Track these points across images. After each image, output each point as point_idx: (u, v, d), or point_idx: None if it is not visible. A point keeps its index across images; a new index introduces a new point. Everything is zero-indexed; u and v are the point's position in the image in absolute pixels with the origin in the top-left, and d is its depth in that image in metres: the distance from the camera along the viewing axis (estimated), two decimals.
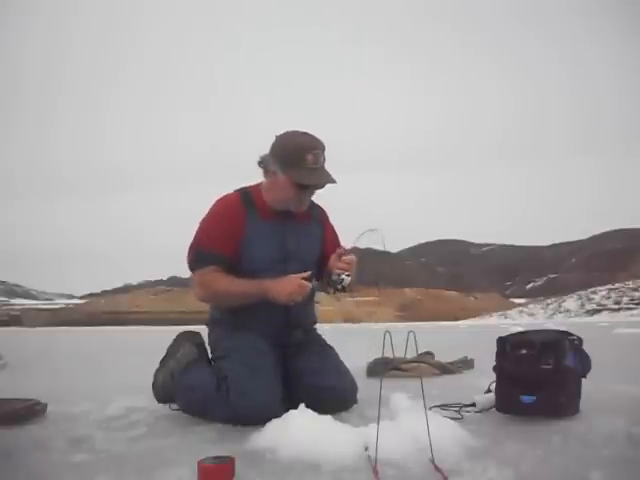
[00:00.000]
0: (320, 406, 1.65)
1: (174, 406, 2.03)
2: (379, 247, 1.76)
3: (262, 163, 2.00)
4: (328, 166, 1.95)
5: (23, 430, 1.82)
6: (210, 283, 1.95)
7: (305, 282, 1.88)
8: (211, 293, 1.98)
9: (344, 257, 1.93)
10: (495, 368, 1.91)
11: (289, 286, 1.87)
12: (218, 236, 1.96)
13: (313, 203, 2.16)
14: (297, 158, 1.89)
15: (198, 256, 1.98)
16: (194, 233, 2.01)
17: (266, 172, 2.00)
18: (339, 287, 1.91)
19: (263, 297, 1.90)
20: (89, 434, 1.75)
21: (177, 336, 2.13)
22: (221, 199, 2.04)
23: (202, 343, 2.11)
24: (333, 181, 1.94)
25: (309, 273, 1.92)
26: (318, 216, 2.18)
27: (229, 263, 1.96)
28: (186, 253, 2.02)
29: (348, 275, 1.91)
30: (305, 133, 1.96)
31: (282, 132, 1.98)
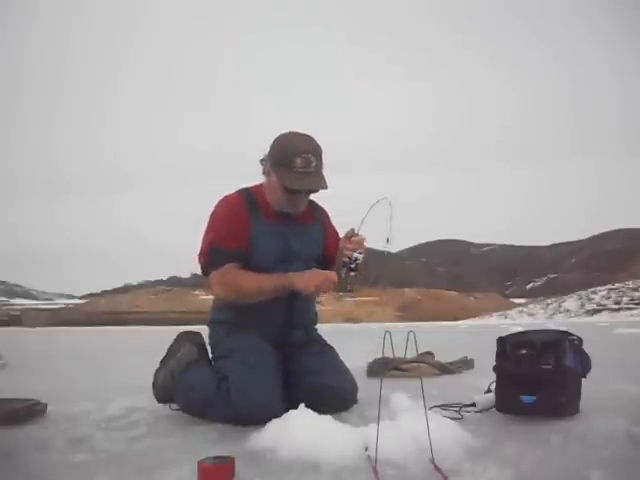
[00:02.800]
0: (320, 406, 1.64)
1: (174, 406, 2.03)
2: (388, 220, 1.68)
3: (262, 161, 2.00)
4: (329, 167, 1.93)
5: (23, 430, 1.82)
6: (234, 280, 1.92)
7: (332, 273, 1.88)
8: (235, 290, 1.93)
9: (353, 238, 1.90)
10: (495, 368, 1.91)
11: (317, 278, 1.87)
12: (229, 234, 1.94)
13: (315, 204, 2.16)
14: (286, 161, 1.88)
15: (214, 255, 1.95)
16: (202, 238, 2.00)
17: (264, 171, 2.00)
18: (352, 267, 1.87)
19: (289, 289, 1.89)
20: (89, 434, 1.75)
21: (177, 336, 2.13)
22: (223, 200, 2.03)
23: (202, 343, 2.11)
24: (323, 187, 1.92)
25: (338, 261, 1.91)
26: (320, 217, 2.18)
27: (244, 259, 1.95)
28: (197, 258, 2.00)
29: (360, 253, 1.88)
30: (301, 135, 1.93)
31: (282, 132, 1.97)
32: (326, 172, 1.93)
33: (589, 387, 1.91)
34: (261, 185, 2.06)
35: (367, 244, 1.92)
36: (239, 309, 1.99)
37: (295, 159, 1.86)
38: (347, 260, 1.88)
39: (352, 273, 1.89)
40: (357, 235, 1.90)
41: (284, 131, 1.97)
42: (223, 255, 1.94)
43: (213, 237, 1.97)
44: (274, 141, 1.95)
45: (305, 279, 1.87)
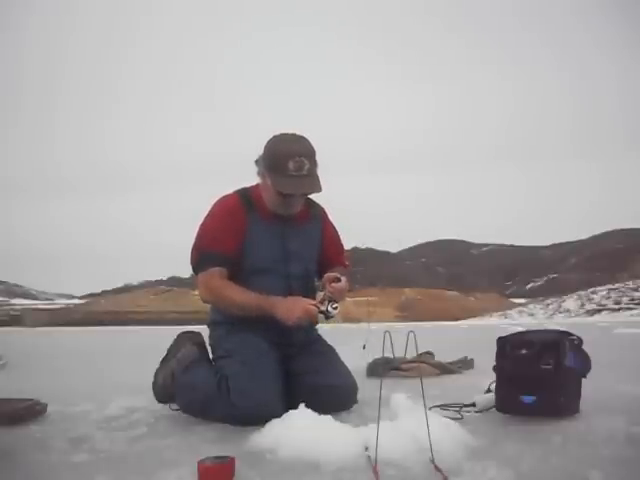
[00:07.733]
0: (320, 406, 1.65)
1: (174, 406, 2.03)
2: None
3: (257, 163, 1.99)
4: (327, 168, 1.92)
5: (23, 430, 1.82)
6: (219, 290, 1.93)
7: (313, 307, 1.87)
8: (217, 299, 1.96)
9: (334, 284, 1.90)
10: (495, 368, 1.91)
11: (297, 310, 1.86)
12: (220, 237, 1.94)
13: (313, 202, 2.16)
14: (279, 164, 1.87)
15: (202, 257, 1.96)
16: (195, 235, 2.00)
17: (258, 173, 1.99)
18: (325, 316, 1.90)
19: (269, 314, 1.88)
20: (89, 434, 1.75)
21: (178, 336, 2.13)
22: (220, 200, 2.03)
23: (203, 343, 2.11)
24: (317, 190, 1.91)
25: (317, 300, 1.90)
26: (317, 215, 2.17)
27: (232, 263, 1.94)
28: (189, 255, 2.01)
29: (335, 307, 1.87)
30: (294, 137, 1.92)
31: (275, 134, 1.95)
32: (321, 173, 1.93)
33: (589, 387, 1.91)
34: (258, 185, 2.05)
35: (345, 295, 1.93)
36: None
37: (288, 162, 1.85)
38: (323, 309, 1.88)
39: (325, 319, 1.92)
40: (339, 281, 1.90)
41: (277, 133, 1.96)
42: (211, 258, 1.94)
43: (204, 239, 1.98)
44: (267, 144, 1.94)
45: (286, 309, 1.86)
